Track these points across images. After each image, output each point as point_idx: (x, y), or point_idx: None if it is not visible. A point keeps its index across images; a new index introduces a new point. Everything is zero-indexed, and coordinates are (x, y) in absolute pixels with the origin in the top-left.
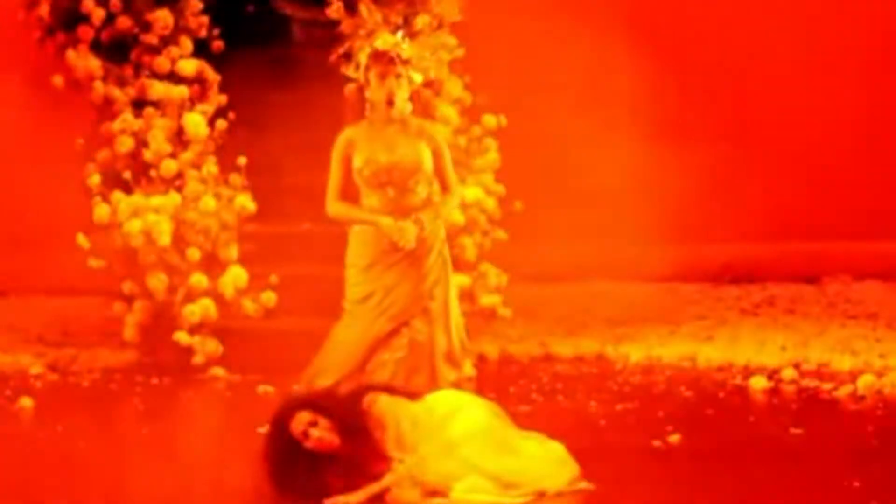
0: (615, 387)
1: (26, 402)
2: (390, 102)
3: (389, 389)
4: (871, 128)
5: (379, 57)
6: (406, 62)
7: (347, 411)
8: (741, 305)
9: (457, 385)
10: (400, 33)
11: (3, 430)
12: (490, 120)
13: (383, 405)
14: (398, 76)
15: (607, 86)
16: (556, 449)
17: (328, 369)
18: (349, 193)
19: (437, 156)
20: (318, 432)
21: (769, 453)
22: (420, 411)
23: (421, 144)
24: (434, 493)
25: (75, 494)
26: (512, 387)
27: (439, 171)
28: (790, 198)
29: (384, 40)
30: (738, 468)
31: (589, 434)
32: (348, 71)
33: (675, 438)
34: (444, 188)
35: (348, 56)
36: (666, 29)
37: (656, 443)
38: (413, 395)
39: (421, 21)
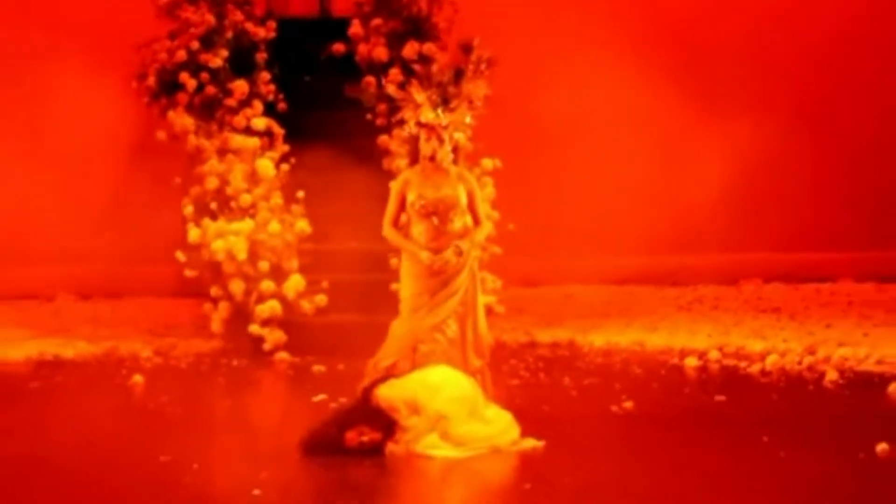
0: (583, 366)
1: (138, 378)
2: (432, 158)
3: (381, 380)
4: (777, 154)
5: (423, 126)
6: (445, 128)
7: (372, 413)
8: (678, 303)
9: (480, 370)
10: (440, 109)
11: (120, 401)
12: (487, 162)
13: (385, 393)
14: (440, 139)
15: (577, 134)
16: (506, 416)
17: (388, 356)
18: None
19: (470, 195)
20: (368, 438)
21: (700, 416)
22: (417, 382)
23: (459, 186)
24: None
25: (175, 449)
26: (504, 366)
27: (472, 207)
28: (714, 218)
29: (426, 115)
30: (677, 427)
31: (563, 402)
32: (402, 132)
33: (628, 405)
34: (476, 221)
35: (402, 122)
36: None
37: (614, 408)
38: (399, 374)
39: (455, 100)
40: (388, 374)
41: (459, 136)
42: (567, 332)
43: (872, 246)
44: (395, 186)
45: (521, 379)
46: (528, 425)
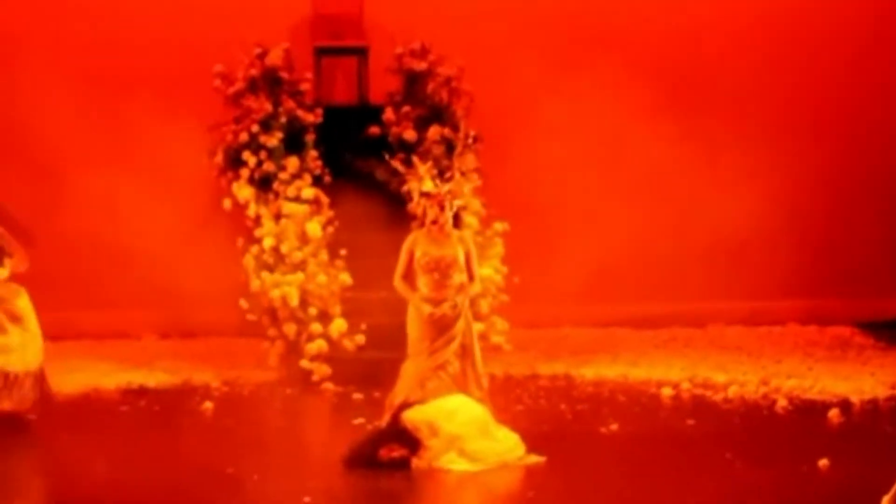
0: (576, 394)
1: (208, 404)
2: (434, 222)
3: (407, 406)
4: (736, 215)
5: (425, 195)
6: (445, 196)
7: (400, 433)
8: (655, 342)
9: (482, 400)
10: (437, 180)
11: (193, 422)
12: (498, 225)
13: (410, 417)
14: (441, 206)
15: (569, 203)
16: (513, 436)
17: (400, 393)
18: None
19: (467, 255)
20: (398, 453)
21: (674, 436)
22: (437, 408)
23: (458, 246)
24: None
25: (239, 462)
26: (511, 394)
27: (468, 265)
28: (685, 271)
29: (427, 185)
30: (655, 445)
31: (560, 424)
32: (411, 201)
33: (614, 427)
34: (470, 277)
35: (409, 192)
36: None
37: (603, 429)
38: (423, 401)
39: (449, 172)
40: (403, 407)
41: (460, 203)
42: (563, 366)
43: (814, 295)
44: (405, 245)
45: (525, 405)
46: (532, 443)
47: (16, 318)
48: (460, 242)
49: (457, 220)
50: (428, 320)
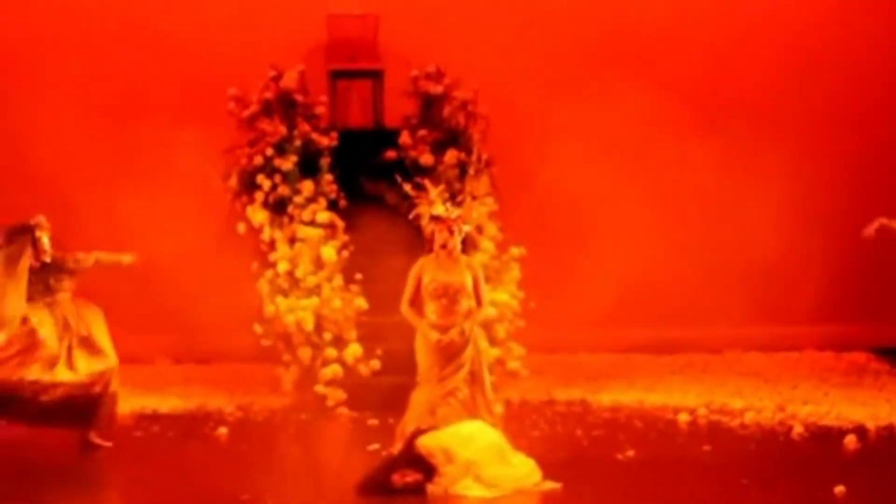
0: (592, 420)
1: (222, 430)
2: (443, 247)
3: (422, 431)
4: (756, 243)
5: (435, 219)
6: (455, 220)
7: (414, 459)
8: (671, 368)
9: (493, 425)
10: (448, 204)
11: (208, 447)
12: (514, 250)
13: (425, 443)
14: (450, 230)
15: (587, 229)
16: (530, 462)
17: (411, 422)
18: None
19: (475, 281)
20: (412, 478)
21: (690, 462)
22: (452, 434)
23: (466, 272)
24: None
25: (254, 488)
26: (527, 420)
27: (476, 291)
28: (701, 297)
29: (437, 209)
30: (671, 472)
31: (576, 450)
32: (423, 225)
33: (631, 453)
34: (479, 303)
35: (419, 216)
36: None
37: (619, 456)
38: (438, 427)
39: (461, 196)
40: (416, 434)
41: (466, 227)
42: (579, 391)
43: (831, 321)
44: (413, 271)
45: (542, 431)
46: (548, 469)
47: (90, 345)
48: (468, 268)
49: (466, 245)
50: (436, 347)
